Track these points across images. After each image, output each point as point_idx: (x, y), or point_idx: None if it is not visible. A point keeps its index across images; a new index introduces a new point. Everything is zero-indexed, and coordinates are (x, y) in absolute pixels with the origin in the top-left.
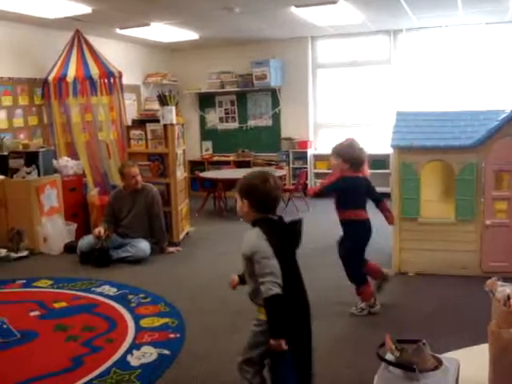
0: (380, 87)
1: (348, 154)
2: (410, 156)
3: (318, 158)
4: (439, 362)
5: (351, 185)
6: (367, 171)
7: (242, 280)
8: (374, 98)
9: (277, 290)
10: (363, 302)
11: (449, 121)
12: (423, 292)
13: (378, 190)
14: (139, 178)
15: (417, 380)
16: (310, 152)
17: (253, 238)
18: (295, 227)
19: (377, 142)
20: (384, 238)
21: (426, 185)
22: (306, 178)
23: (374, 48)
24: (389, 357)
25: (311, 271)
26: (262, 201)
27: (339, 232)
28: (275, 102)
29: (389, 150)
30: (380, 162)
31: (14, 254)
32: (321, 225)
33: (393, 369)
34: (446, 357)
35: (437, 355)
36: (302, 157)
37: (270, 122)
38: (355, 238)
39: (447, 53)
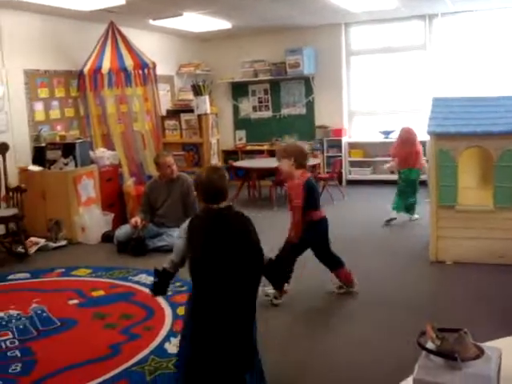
0: (415, 73)
1: (297, 155)
2: (447, 143)
3: (353, 145)
4: (481, 351)
5: (314, 185)
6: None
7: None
8: (408, 85)
9: (165, 266)
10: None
11: (487, 106)
12: (460, 281)
13: None
14: (174, 167)
15: (459, 369)
16: (345, 140)
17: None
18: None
19: (413, 128)
20: (421, 227)
21: (464, 172)
22: (341, 167)
23: (409, 33)
24: (430, 345)
25: (348, 258)
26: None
27: (374, 220)
28: (309, 90)
29: (425, 137)
30: None
31: (52, 244)
32: (356, 212)
33: (434, 357)
34: (488, 345)
35: (478, 344)
36: (337, 145)
37: (303, 111)
38: (323, 234)
39: (483, 37)
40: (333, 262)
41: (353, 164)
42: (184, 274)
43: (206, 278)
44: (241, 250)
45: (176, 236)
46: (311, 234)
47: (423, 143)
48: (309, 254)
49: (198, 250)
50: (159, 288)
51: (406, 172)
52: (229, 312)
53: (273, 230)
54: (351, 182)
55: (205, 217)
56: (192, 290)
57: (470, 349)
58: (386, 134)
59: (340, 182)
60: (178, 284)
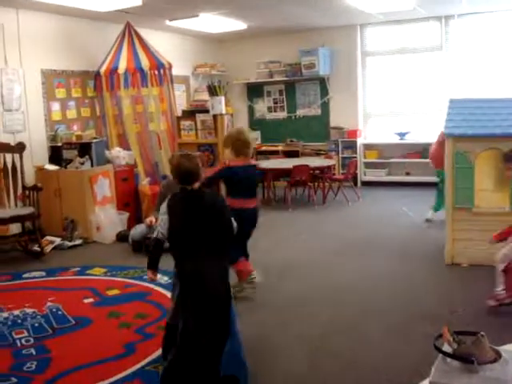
0: (431, 74)
1: (233, 142)
2: (464, 144)
3: (368, 147)
4: (498, 355)
5: (236, 174)
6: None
7: None
8: (425, 86)
9: (156, 235)
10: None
11: (504, 108)
12: (476, 284)
13: (430, 179)
14: None
15: (475, 372)
16: (360, 141)
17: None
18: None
19: (428, 130)
20: (437, 229)
21: (480, 173)
22: (356, 168)
23: (425, 34)
24: (446, 348)
25: (363, 259)
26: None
27: (389, 221)
28: (324, 91)
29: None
30: None
31: (68, 243)
32: (371, 214)
33: (450, 360)
34: (506, 349)
35: (495, 347)
36: (352, 146)
37: (318, 111)
38: (240, 224)
39: (500, 38)
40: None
41: (368, 165)
42: None
43: (185, 244)
44: (211, 219)
45: (161, 212)
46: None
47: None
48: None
49: (178, 223)
50: (153, 260)
51: (443, 172)
52: (206, 266)
53: (288, 230)
54: (366, 184)
55: (180, 196)
56: (174, 257)
57: (487, 352)
58: (402, 135)
59: (355, 184)
60: None
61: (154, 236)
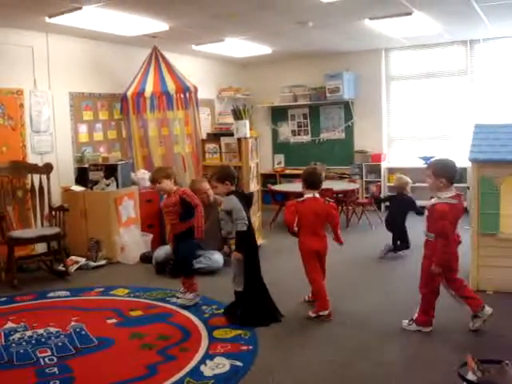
0: (456, 99)
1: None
2: (489, 169)
3: (392, 171)
4: None
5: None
6: None
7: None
8: (449, 110)
9: (243, 228)
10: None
11: None
12: (502, 311)
13: None
14: (210, 192)
15: None
16: (384, 165)
17: (232, 201)
18: (248, 196)
19: (453, 155)
20: (461, 255)
21: (506, 199)
22: (380, 192)
23: (450, 59)
24: (470, 376)
25: (384, 283)
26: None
27: (413, 246)
28: (348, 115)
29: (466, 164)
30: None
31: (92, 263)
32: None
33: None
34: None
35: None
36: (376, 170)
37: (342, 135)
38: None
39: None
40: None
41: (392, 189)
42: (220, 296)
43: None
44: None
45: (237, 208)
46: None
47: (464, 169)
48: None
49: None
50: (241, 246)
51: None
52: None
53: None
54: None
55: (238, 194)
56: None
57: (511, 381)
58: (426, 159)
59: (379, 208)
60: (214, 307)
61: (242, 229)
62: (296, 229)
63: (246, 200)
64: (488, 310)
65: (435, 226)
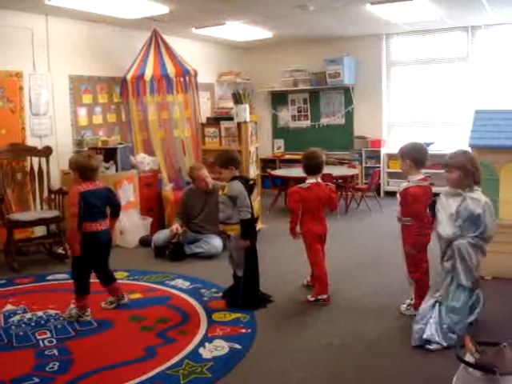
0: (457, 85)
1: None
2: (488, 156)
3: (392, 157)
4: None
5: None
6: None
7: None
8: (450, 96)
9: (248, 216)
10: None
11: None
12: (500, 296)
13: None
14: (209, 179)
15: (497, 383)
16: (384, 151)
17: (238, 187)
18: (251, 183)
19: (452, 141)
20: None
21: (506, 186)
22: (379, 178)
23: (451, 45)
24: (468, 358)
25: (384, 269)
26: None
27: None
28: (348, 101)
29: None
30: None
31: None
32: (393, 224)
33: (472, 371)
34: None
35: None
36: (375, 156)
37: (342, 121)
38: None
39: None
40: (107, 278)
41: (391, 175)
42: (219, 280)
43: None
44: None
45: (241, 196)
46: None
47: None
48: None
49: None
50: (248, 234)
51: None
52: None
53: None
54: (389, 194)
55: (241, 180)
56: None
57: (509, 363)
58: (426, 145)
59: (378, 194)
60: (213, 290)
61: (247, 217)
62: (298, 230)
63: (249, 187)
64: None
65: (410, 209)
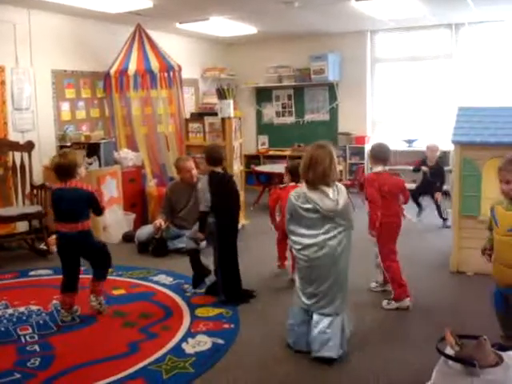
0: (441, 82)
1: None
2: (471, 152)
3: None
4: (500, 359)
5: (58, 197)
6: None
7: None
8: (434, 94)
9: (203, 209)
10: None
11: None
12: (481, 292)
13: None
14: (194, 171)
15: (477, 375)
16: (368, 147)
17: (203, 181)
18: (228, 178)
19: (436, 138)
20: (442, 237)
21: (488, 182)
22: (363, 174)
23: (435, 42)
24: (448, 351)
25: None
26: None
27: None
28: (333, 97)
29: (448, 147)
30: (439, 158)
31: None
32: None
33: (452, 363)
34: (508, 354)
35: (498, 352)
36: (359, 152)
37: (327, 117)
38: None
39: (510, 47)
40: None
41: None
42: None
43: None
44: (231, 189)
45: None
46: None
47: (447, 153)
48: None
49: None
50: (202, 227)
51: None
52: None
53: None
54: None
55: (212, 175)
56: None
57: (488, 356)
58: (410, 142)
59: (362, 190)
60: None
61: (201, 209)
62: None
63: (224, 183)
64: (407, 302)
65: (366, 193)
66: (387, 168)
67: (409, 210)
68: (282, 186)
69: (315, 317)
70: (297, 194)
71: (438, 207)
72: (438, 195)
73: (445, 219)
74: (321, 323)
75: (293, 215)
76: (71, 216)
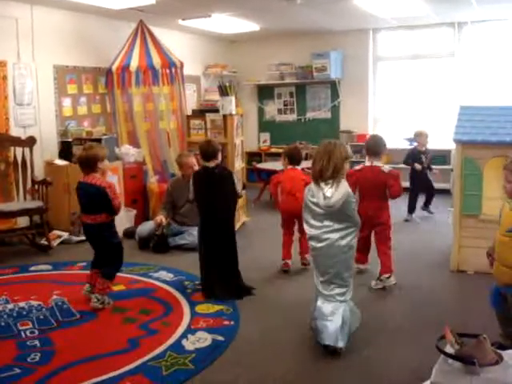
0: (443, 81)
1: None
2: (473, 151)
3: None
4: (500, 358)
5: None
6: None
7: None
8: (436, 92)
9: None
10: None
11: None
12: (481, 291)
13: (439, 186)
14: (196, 167)
15: (476, 374)
16: None
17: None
18: (218, 174)
19: (438, 136)
20: (443, 235)
21: (489, 181)
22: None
23: (438, 40)
24: (448, 349)
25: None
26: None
27: (395, 226)
28: (335, 95)
29: (450, 146)
30: (441, 157)
31: (75, 238)
32: None
33: (452, 362)
34: (508, 352)
35: (498, 350)
36: (361, 150)
37: (328, 115)
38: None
39: None
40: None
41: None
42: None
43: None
44: (220, 185)
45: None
46: None
47: (448, 151)
48: None
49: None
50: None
51: None
52: (216, 223)
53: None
54: None
55: (201, 170)
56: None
57: (488, 354)
58: (411, 141)
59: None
60: (197, 282)
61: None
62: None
63: (209, 178)
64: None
65: None
66: (379, 163)
67: (398, 207)
68: (280, 169)
69: (319, 302)
70: (308, 187)
71: (432, 195)
72: (437, 171)
73: (431, 212)
74: (324, 309)
75: (306, 205)
76: (89, 208)
